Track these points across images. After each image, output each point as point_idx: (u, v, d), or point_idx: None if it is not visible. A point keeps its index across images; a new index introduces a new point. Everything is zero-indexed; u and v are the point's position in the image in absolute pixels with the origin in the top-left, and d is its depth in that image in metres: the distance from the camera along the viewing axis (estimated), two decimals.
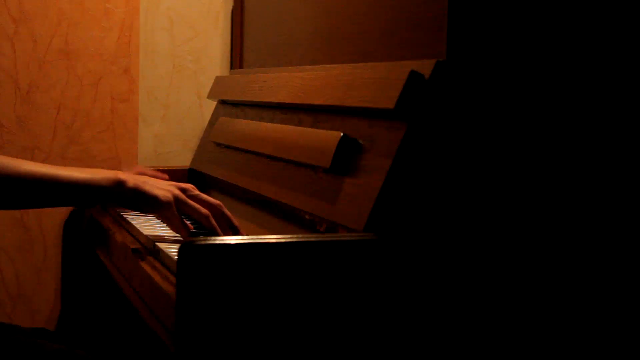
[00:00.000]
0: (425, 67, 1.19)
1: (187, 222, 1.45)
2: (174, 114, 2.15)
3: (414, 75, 1.19)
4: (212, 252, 1.06)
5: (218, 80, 2.06)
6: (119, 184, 1.40)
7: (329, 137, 1.33)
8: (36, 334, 1.48)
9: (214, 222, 1.44)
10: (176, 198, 1.43)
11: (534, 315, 1.23)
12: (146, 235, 1.47)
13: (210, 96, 2.06)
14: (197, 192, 1.48)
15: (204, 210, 1.43)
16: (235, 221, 1.48)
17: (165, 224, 1.59)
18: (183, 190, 1.46)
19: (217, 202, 1.47)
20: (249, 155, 1.66)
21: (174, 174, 1.96)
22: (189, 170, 2.00)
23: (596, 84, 1.26)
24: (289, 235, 1.11)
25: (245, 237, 1.10)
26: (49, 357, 1.37)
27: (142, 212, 1.58)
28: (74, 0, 2.04)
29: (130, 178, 1.42)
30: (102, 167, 1.97)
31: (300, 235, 1.13)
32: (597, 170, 1.26)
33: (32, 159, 2.02)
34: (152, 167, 2.02)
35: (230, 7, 2.15)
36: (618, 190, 1.28)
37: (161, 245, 1.38)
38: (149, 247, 1.42)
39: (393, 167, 1.17)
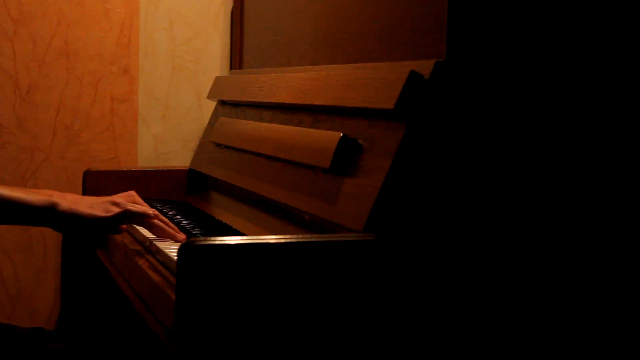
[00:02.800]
0: (425, 67, 1.19)
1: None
2: (174, 114, 2.15)
3: (413, 76, 1.19)
4: (211, 252, 1.06)
5: (218, 80, 2.06)
6: (52, 206, 1.37)
7: (328, 137, 1.33)
8: (35, 334, 1.48)
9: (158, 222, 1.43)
10: (118, 214, 1.41)
11: (533, 315, 1.23)
12: (145, 236, 1.47)
13: (210, 96, 2.06)
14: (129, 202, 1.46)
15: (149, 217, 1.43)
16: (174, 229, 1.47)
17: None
18: (117, 203, 1.44)
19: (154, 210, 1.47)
20: (248, 156, 1.66)
21: (173, 175, 1.96)
22: (189, 171, 2.00)
23: (595, 84, 1.26)
24: (288, 236, 1.11)
25: (245, 237, 1.10)
26: (48, 358, 1.37)
27: (82, 235, 1.54)
28: (73, 1, 2.04)
29: (65, 201, 1.38)
30: (102, 168, 1.98)
31: (300, 236, 1.13)
32: (596, 171, 1.26)
33: (32, 159, 2.02)
34: (152, 167, 2.03)
35: (230, 8, 2.15)
36: (617, 190, 1.28)
37: (160, 245, 1.38)
38: (149, 247, 1.42)
39: (392, 168, 1.17)
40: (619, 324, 1.28)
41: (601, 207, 1.27)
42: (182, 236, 1.45)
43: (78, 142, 2.06)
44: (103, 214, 1.40)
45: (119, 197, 1.45)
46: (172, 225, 1.47)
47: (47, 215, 1.37)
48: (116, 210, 1.42)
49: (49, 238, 2.04)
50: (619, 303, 1.28)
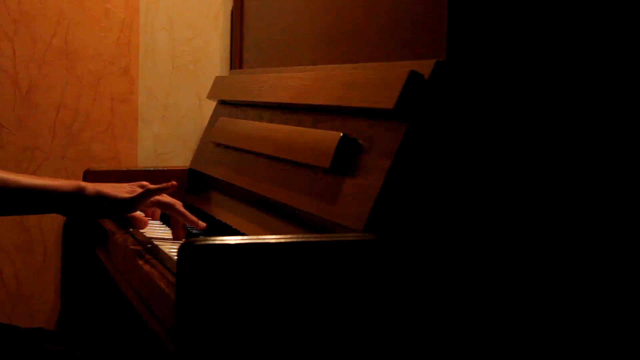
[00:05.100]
0: (424, 67, 1.19)
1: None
2: (174, 114, 2.15)
3: (413, 76, 1.19)
4: (212, 252, 1.06)
5: (218, 80, 2.06)
6: (80, 190, 1.43)
7: (328, 137, 1.33)
8: (35, 334, 1.48)
9: (184, 210, 1.49)
10: (139, 194, 1.48)
11: (533, 316, 1.23)
12: (146, 235, 1.47)
13: (210, 96, 2.06)
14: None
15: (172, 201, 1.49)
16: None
17: (164, 224, 1.59)
18: (142, 185, 1.52)
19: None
20: (248, 156, 1.66)
21: (173, 174, 1.96)
22: (189, 171, 2.00)
23: (595, 84, 1.26)
24: (288, 236, 1.11)
25: (245, 237, 1.10)
26: (45, 358, 1.37)
27: (107, 217, 1.60)
28: (73, 1, 2.04)
29: (90, 185, 1.45)
30: (102, 168, 1.98)
31: (300, 236, 1.13)
32: (596, 171, 1.26)
33: (31, 159, 2.02)
34: (152, 167, 2.03)
35: (230, 7, 2.15)
36: (617, 190, 1.28)
37: (161, 245, 1.38)
38: (149, 247, 1.42)
39: (393, 167, 1.17)
40: (619, 324, 1.28)
41: (601, 208, 1.27)
42: (202, 224, 1.49)
43: (78, 142, 2.06)
44: (127, 195, 1.46)
45: (138, 182, 1.53)
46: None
47: (75, 199, 1.42)
48: (140, 190, 1.48)
49: (49, 238, 2.04)
50: (618, 303, 1.28)
